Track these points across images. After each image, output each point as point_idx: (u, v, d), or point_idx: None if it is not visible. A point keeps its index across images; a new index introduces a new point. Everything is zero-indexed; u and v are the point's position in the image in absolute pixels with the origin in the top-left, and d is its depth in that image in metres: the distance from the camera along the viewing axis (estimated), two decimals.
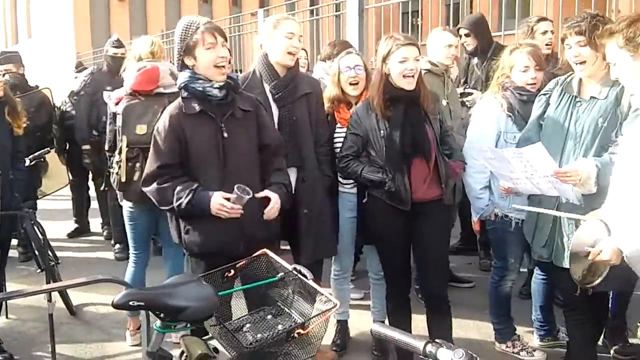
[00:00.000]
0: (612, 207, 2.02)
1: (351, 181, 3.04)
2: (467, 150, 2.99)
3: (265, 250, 2.11)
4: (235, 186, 2.30)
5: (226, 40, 2.48)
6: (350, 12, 6.63)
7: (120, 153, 3.04)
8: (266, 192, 2.48)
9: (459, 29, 4.48)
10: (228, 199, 2.33)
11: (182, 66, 2.46)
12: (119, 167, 3.03)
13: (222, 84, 2.41)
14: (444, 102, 3.68)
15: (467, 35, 4.44)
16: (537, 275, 3.22)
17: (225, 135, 2.42)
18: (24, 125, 3.40)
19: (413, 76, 2.67)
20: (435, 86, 3.66)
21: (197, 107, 2.41)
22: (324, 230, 2.95)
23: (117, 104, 3.14)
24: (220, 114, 2.42)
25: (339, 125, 3.09)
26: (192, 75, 2.41)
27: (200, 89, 2.39)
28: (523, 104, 2.86)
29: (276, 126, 2.81)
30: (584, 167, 2.29)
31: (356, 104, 3.07)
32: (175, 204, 2.37)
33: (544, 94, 2.61)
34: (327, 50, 4.27)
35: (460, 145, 3.03)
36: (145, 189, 2.48)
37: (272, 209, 2.46)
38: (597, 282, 2.02)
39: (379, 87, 2.72)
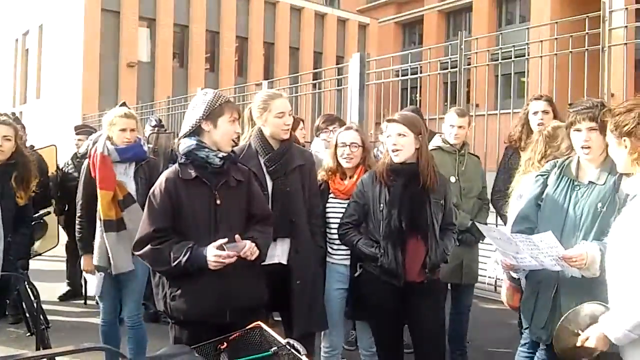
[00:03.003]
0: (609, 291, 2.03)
1: (342, 252, 3.06)
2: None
3: (259, 322, 2.10)
4: (223, 240, 2.36)
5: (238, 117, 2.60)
6: (352, 88, 6.88)
7: None
8: (243, 242, 2.44)
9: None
10: (221, 248, 2.35)
11: (192, 131, 2.51)
12: None
13: (225, 154, 2.50)
14: (453, 179, 3.77)
15: None
16: (521, 354, 3.12)
17: (218, 202, 2.47)
18: (32, 194, 3.43)
19: (396, 150, 2.78)
20: (446, 163, 3.78)
21: (192, 173, 2.48)
22: (316, 303, 2.95)
23: None
24: (215, 182, 2.49)
25: (332, 195, 3.16)
26: (199, 144, 2.49)
27: (203, 156, 2.47)
28: None
29: (270, 197, 2.88)
30: (589, 251, 2.30)
31: (350, 177, 3.17)
32: (172, 264, 2.38)
33: (542, 175, 2.65)
34: (316, 124, 4.44)
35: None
36: (137, 253, 2.49)
37: (249, 248, 2.40)
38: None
39: (384, 160, 2.86)
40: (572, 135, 2.53)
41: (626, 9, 5.35)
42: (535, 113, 3.78)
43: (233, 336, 2.06)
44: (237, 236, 2.39)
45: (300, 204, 2.96)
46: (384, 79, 7.07)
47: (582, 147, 2.47)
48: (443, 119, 4.31)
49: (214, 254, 2.34)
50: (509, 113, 5.69)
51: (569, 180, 2.52)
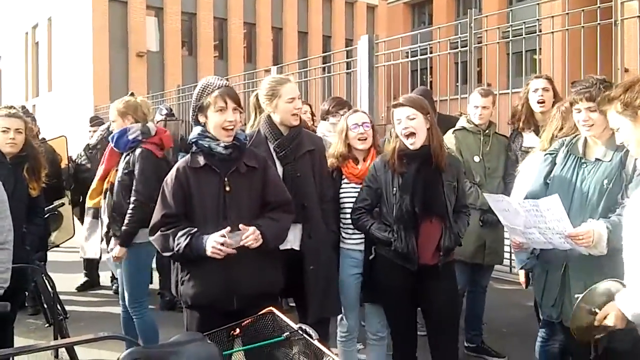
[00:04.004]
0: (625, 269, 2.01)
1: (356, 237, 3.05)
2: None
3: (271, 308, 2.10)
4: (226, 229, 2.37)
5: (239, 105, 2.57)
6: (361, 71, 6.83)
7: None
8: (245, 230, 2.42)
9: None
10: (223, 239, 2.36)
11: (196, 122, 2.58)
12: None
13: (227, 143, 2.50)
14: (477, 159, 3.78)
15: None
16: (541, 338, 3.12)
17: (228, 189, 2.47)
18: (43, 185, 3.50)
19: (409, 135, 2.75)
20: (470, 143, 3.79)
21: (202, 161, 2.50)
22: (330, 288, 2.95)
23: None
24: (225, 169, 2.49)
25: (345, 180, 3.14)
26: (202, 133, 2.52)
27: (207, 145, 2.50)
28: None
29: None
30: (595, 229, 2.29)
31: (364, 159, 3.14)
32: (175, 249, 2.44)
33: (550, 154, 2.64)
34: (324, 107, 4.40)
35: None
36: (151, 238, 2.58)
37: (249, 236, 2.38)
38: (598, 337, 2.01)
39: (394, 146, 2.82)
40: (573, 115, 2.54)
41: None
42: (536, 90, 3.73)
43: (245, 322, 2.07)
44: (240, 225, 2.39)
45: (311, 188, 2.96)
46: (393, 61, 7.00)
47: (583, 125, 2.47)
48: (456, 100, 4.27)
49: (213, 243, 2.35)
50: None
51: (576, 158, 2.52)
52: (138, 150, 3.50)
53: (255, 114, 3.18)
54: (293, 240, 2.89)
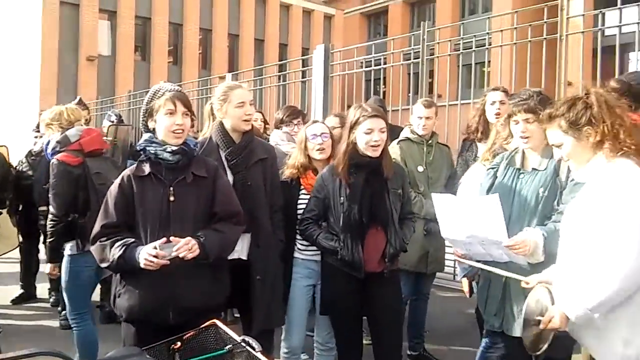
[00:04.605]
0: (559, 274, 2.08)
1: (313, 248, 3.02)
2: None
3: (214, 320, 2.05)
4: (160, 240, 2.29)
5: (189, 110, 2.51)
6: (316, 80, 6.84)
7: None
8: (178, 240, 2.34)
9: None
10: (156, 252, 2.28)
11: (146, 128, 2.51)
12: None
13: (175, 148, 2.42)
14: (420, 169, 3.84)
15: None
16: (483, 347, 3.13)
17: (172, 199, 2.40)
18: None
19: (378, 146, 2.76)
20: (414, 153, 3.86)
21: (147, 170, 2.43)
22: (276, 299, 2.91)
23: None
24: (171, 178, 2.42)
25: (304, 191, 3.10)
26: (149, 139, 2.45)
27: (153, 151, 2.42)
28: None
29: None
30: (531, 237, 2.36)
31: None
32: (110, 260, 2.37)
33: (492, 168, 2.72)
34: (278, 116, 4.38)
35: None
36: (91, 248, 2.49)
37: (182, 246, 2.29)
38: (544, 348, 2.04)
39: (345, 154, 2.80)
40: (511, 126, 2.61)
41: None
42: (493, 103, 3.81)
43: (187, 335, 2.01)
44: (172, 237, 2.30)
45: (261, 198, 2.91)
46: (348, 71, 7.05)
47: (521, 137, 2.54)
48: (408, 110, 4.30)
49: (145, 255, 2.27)
50: (470, 103, 5.74)
51: (514, 170, 2.59)
52: (53, 162, 3.42)
53: (209, 122, 3.13)
54: (241, 250, 2.84)
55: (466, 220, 2.52)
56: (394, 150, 3.84)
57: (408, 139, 3.95)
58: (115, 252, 2.35)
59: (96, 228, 2.46)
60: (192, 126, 2.95)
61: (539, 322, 2.01)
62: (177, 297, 2.35)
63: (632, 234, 1.83)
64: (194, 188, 2.45)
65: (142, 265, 2.28)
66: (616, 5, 5.08)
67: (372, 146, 2.76)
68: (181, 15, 23.29)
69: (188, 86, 11.16)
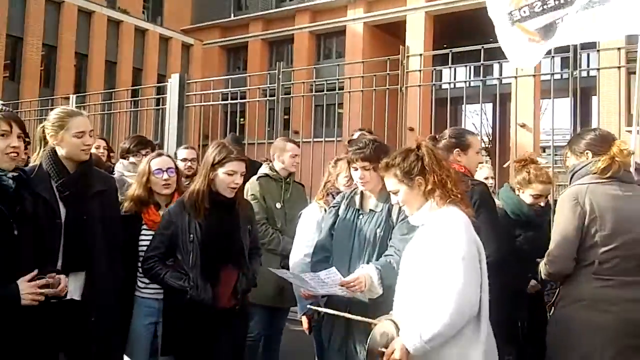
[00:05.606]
0: (398, 310, 2.26)
1: (154, 286, 2.92)
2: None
3: None
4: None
5: (23, 132, 2.31)
6: (171, 109, 6.72)
7: None
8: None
9: None
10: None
11: None
12: None
13: (15, 174, 2.24)
14: (278, 205, 3.91)
15: None
16: None
17: (16, 232, 2.20)
18: None
19: (235, 188, 2.79)
20: (272, 190, 3.92)
21: None
22: (111, 340, 2.73)
23: None
24: (11, 209, 2.21)
25: (145, 226, 3.00)
26: None
27: None
28: None
29: (63, 227, 2.58)
30: (365, 274, 2.51)
31: (166, 205, 3.04)
32: None
33: (333, 207, 2.89)
34: (124, 145, 4.25)
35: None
36: None
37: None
38: None
39: (201, 192, 2.77)
40: (351, 172, 2.80)
41: (421, 55, 6.11)
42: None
43: None
44: (35, 270, 2.14)
45: (98, 233, 2.69)
46: (204, 102, 7.04)
47: (360, 183, 2.74)
48: (263, 144, 4.39)
49: (30, 289, 2.10)
50: (322, 141, 6.07)
51: (354, 210, 2.78)
52: None
53: (40, 146, 2.81)
54: (73, 290, 2.59)
55: (309, 283, 2.63)
56: (254, 187, 3.90)
57: (267, 175, 4.00)
58: None
59: None
60: (26, 149, 2.71)
61: (383, 353, 2.14)
62: None
63: (456, 272, 2.07)
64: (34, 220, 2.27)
65: (25, 302, 2.11)
66: (449, 64, 5.84)
67: (232, 188, 2.78)
68: (21, 28, 21.34)
69: (26, 105, 10.19)
